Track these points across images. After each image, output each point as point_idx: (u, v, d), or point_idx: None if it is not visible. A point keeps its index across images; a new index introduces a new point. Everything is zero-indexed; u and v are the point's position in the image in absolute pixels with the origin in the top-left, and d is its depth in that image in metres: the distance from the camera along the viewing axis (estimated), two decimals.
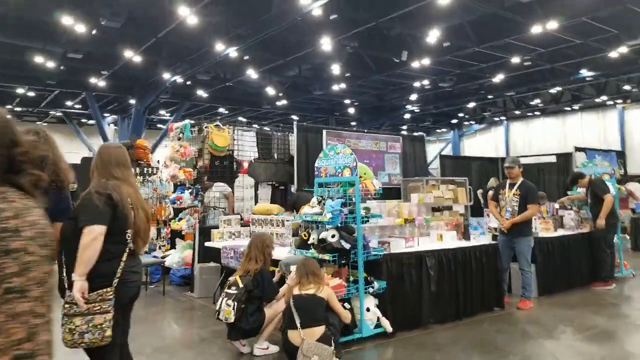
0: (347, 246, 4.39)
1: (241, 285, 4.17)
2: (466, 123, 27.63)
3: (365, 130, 8.54)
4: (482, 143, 27.48)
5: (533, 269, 6.09)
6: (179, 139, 7.08)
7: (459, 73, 15.28)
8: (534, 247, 6.03)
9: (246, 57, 12.45)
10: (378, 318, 4.62)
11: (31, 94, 14.84)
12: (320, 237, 4.51)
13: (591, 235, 7.17)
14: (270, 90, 16.68)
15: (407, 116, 23.61)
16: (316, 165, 5.08)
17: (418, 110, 22.26)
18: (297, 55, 12.49)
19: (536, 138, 23.91)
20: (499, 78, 15.26)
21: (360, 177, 4.78)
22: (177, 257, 7.30)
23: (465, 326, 5.17)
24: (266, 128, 9.76)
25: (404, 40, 12.26)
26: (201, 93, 16.42)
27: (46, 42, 11.24)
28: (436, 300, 5.09)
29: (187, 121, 7.23)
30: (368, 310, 4.56)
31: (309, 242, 4.66)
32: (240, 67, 13.62)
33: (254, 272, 4.23)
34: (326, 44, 11.43)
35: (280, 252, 5.23)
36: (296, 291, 3.98)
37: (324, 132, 8.60)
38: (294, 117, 23.02)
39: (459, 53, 12.95)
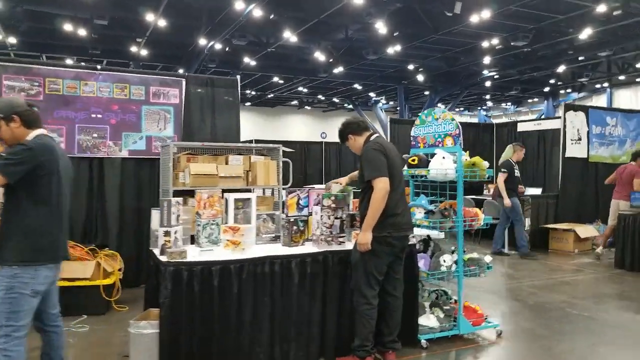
0: None
1: None
2: (562, 92, 24.07)
3: (99, 67, 5.85)
4: None
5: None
6: None
7: (534, 28, 12.77)
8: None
9: (272, 17, 11.33)
10: None
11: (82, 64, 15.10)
12: None
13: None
14: (322, 57, 15.41)
15: (488, 84, 21.01)
16: None
17: (498, 76, 19.61)
18: (331, 12, 11.13)
19: None
20: (586, 34, 12.50)
21: None
22: None
23: None
24: None
25: None
26: (248, 61, 15.65)
27: (75, 8, 11.12)
28: None
29: None
30: None
31: None
32: (273, 29, 12.57)
33: None
34: None
35: None
36: None
37: None
38: (357, 86, 21.57)
39: (526, 3, 10.68)
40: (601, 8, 10.63)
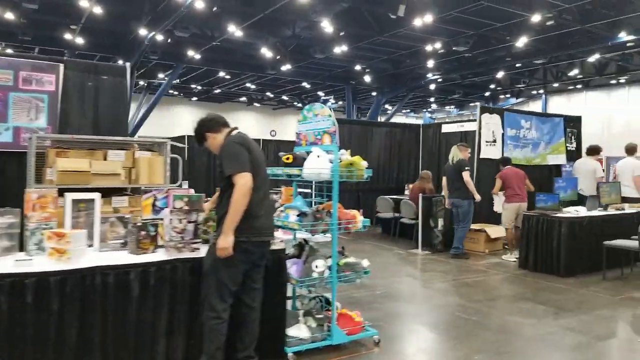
0: None
1: None
2: (502, 96, 25.12)
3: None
4: None
5: None
6: None
7: (474, 35, 13.22)
8: None
9: (215, 9, 11.08)
10: None
11: (9, 51, 14.14)
12: None
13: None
14: (269, 53, 15.22)
15: (432, 87, 21.56)
16: None
17: (441, 80, 20.17)
18: (277, 8, 10.99)
19: (577, 115, 21.26)
20: (522, 42, 13.07)
21: None
22: None
23: None
24: None
25: None
26: (192, 54, 15.23)
27: None
28: None
29: None
30: None
31: None
32: (218, 22, 12.29)
33: None
34: None
35: None
36: None
37: None
38: (306, 84, 21.54)
39: (466, 9, 11.01)
40: (535, 18, 11.12)
